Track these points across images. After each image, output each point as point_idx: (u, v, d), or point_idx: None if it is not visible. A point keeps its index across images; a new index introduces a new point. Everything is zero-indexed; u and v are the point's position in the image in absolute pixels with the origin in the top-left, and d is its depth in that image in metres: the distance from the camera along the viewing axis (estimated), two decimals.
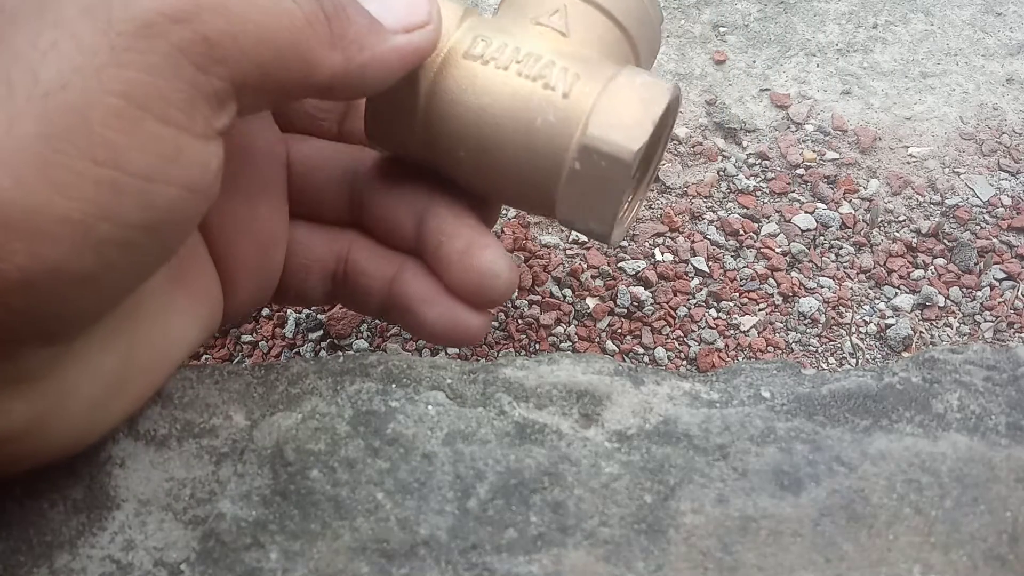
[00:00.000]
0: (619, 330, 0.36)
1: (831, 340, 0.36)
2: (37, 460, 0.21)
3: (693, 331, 0.36)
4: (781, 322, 0.36)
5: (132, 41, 0.17)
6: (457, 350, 0.35)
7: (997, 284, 0.37)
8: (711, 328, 0.36)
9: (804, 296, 0.37)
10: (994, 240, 0.39)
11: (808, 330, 0.36)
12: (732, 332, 0.36)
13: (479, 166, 0.25)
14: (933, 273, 0.38)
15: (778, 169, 0.41)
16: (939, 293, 0.37)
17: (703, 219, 0.39)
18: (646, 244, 0.38)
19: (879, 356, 0.35)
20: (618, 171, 0.23)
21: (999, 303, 0.36)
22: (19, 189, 0.16)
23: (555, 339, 0.35)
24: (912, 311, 0.36)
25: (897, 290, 0.37)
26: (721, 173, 0.41)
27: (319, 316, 0.36)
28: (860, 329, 0.36)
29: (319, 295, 0.28)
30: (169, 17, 0.17)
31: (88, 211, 0.17)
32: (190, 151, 0.18)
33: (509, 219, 0.39)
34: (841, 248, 0.39)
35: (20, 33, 0.17)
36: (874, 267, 0.38)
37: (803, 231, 0.39)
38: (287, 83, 0.20)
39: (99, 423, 0.22)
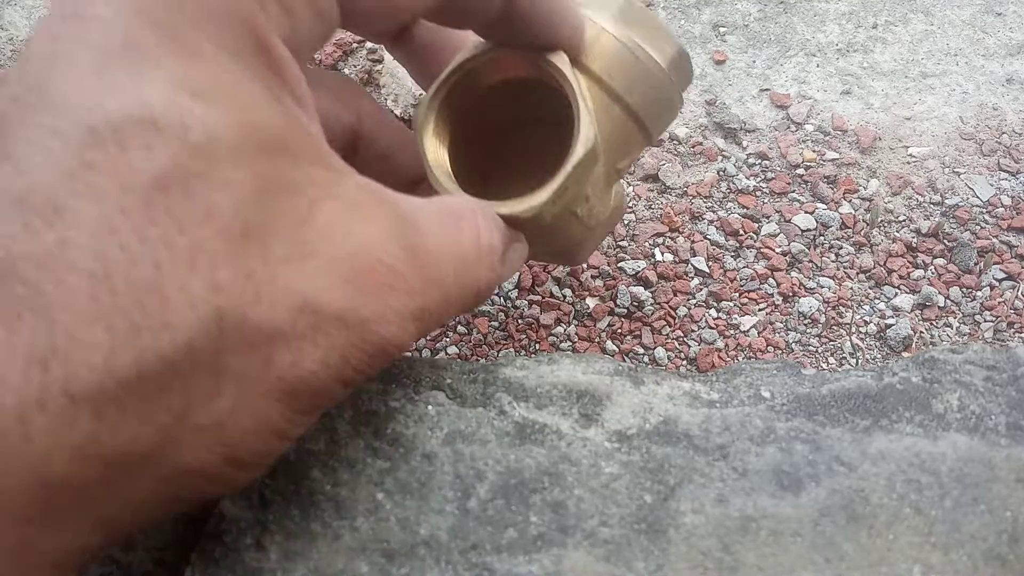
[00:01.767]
0: (619, 330, 0.36)
1: (831, 340, 0.36)
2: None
3: (693, 331, 0.36)
4: (781, 322, 0.36)
5: None
6: (457, 350, 0.35)
7: (997, 284, 0.37)
8: (711, 328, 0.36)
9: (804, 296, 0.37)
10: (994, 240, 0.39)
11: (808, 330, 0.36)
12: (732, 332, 0.36)
13: None
14: (933, 273, 0.38)
15: (778, 169, 0.41)
16: (939, 293, 0.37)
17: (703, 219, 0.39)
18: (646, 244, 0.38)
19: (879, 356, 0.35)
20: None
21: (999, 303, 0.36)
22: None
23: (555, 339, 0.35)
24: (912, 311, 0.36)
25: (897, 290, 0.37)
26: (721, 173, 0.41)
27: None
28: (860, 329, 0.36)
29: None
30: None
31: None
32: None
33: None
34: (841, 248, 0.39)
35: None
36: (874, 267, 0.38)
37: (803, 231, 0.39)
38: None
39: None
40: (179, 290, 0.16)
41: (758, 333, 0.36)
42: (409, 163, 0.28)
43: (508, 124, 0.29)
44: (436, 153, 0.26)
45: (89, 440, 0.15)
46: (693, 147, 0.42)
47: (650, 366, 0.34)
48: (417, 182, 0.28)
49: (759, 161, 0.42)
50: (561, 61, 0.25)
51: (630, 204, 0.40)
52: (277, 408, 0.18)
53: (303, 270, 0.18)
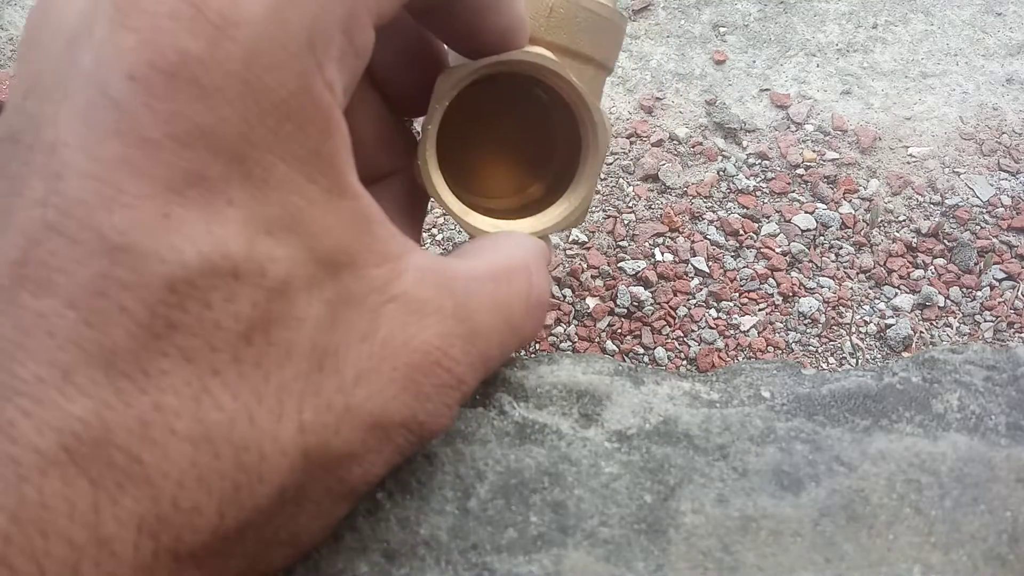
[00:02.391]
0: (619, 330, 0.36)
1: (831, 340, 0.36)
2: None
3: (693, 331, 0.36)
4: (781, 322, 0.36)
5: None
6: None
7: (997, 284, 0.37)
8: (711, 328, 0.36)
9: (804, 296, 0.37)
10: (994, 240, 0.39)
11: (808, 330, 0.36)
12: (732, 332, 0.36)
13: None
14: (933, 273, 0.38)
15: (778, 169, 0.41)
16: (939, 293, 0.37)
17: (703, 219, 0.39)
18: (646, 244, 0.38)
19: (879, 356, 0.35)
20: None
21: (999, 303, 0.36)
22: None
23: (555, 339, 0.35)
24: (912, 311, 0.36)
25: (897, 290, 0.37)
26: (721, 173, 0.41)
27: None
28: (860, 329, 0.36)
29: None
30: None
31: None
32: None
33: None
34: (841, 248, 0.39)
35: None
36: (874, 267, 0.38)
37: (803, 231, 0.39)
38: None
39: None
40: (273, 441, 0.16)
41: (758, 333, 0.36)
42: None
43: (475, 113, 0.29)
44: (449, 197, 0.26)
45: None
46: (693, 147, 0.42)
47: (650, 366, 0.34)
48: None
49: (759, 161, 0.42)
50: (554, 64, 0.25)
51: (630, 204, 0.40)
52: (343, 509, 0.20)
53: (371, 388, 0.18)
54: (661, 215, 0.39)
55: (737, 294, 0.37)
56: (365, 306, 0.18)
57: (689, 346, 0.35)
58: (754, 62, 0.45)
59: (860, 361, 0.35)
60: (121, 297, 0.15)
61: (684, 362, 0.35)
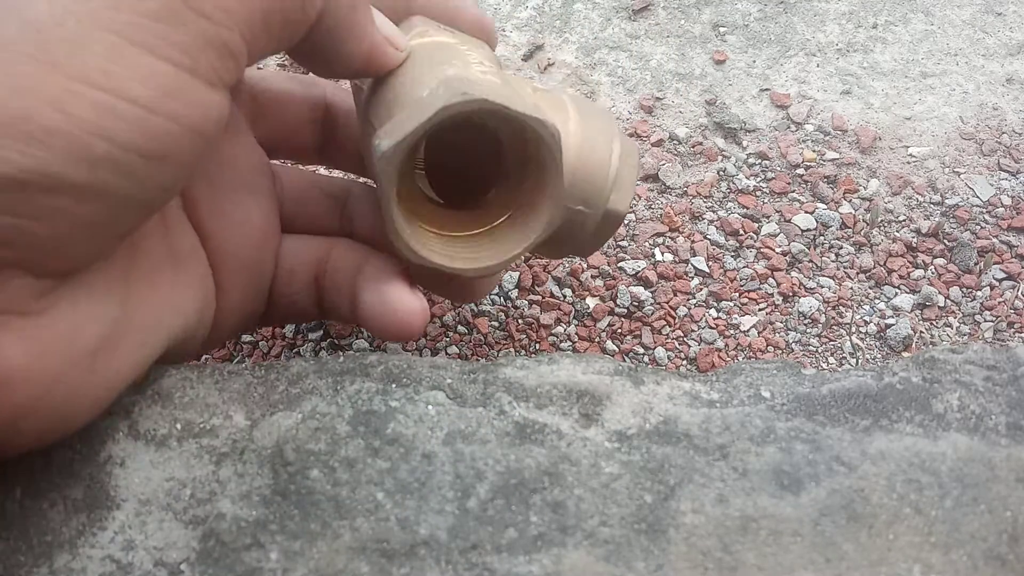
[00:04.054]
0: (619, 330, 0.36)
1: (831, 340, 0.36)
2: (39, 423, 0.20)
3: (693, 331, 0.36)
4: (781, 322, 0.36)
5: None
6: (457, 350, 0.35)
7: (997, 284, 0.37)
8: (711, 328, 0.36)
9: (804, 296, 0.37)
10: (994, 240, 0.39)
11: (808, 330, 0.36)
12: (732, 332, 0.36)
13: None
14: (933, 273, 0.38)
15: (778, 169, 0.41)
16: (939, 293, 0.37)
17: (703, 219, 0.39)
18: (646, 244, 0.38)
19: (879, 356, 0.35)
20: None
21: (999, 303, 0.36)
22: (13, 96, 0.17)
23: (555, 339, 0.35)
24: (912, 311, 0.36)
25: (897, 290, 0.37)
26: (721, 173, 0.41)
27: None
28: (860, 329, 0.36)
29: (308, 303, 0.29)
30: None
31: (83, 127, 0.18)
32: (192, 91, 0.19)
33: None
34: (841, 248, 0.39)
35: None
36: (874, 267, 0.38)
37: (803, 231, 0.39)
38: (286, 22, 0.21)
39: (96, 381, 0.21)
40: None
41: (758, 333, 0.36)
42: None
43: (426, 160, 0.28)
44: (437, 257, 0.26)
45: None
46: (693, 147, 0.42)
47: (650, 366, 0.34)
48: None
49: (759, 161, 0.42)
50: (546, 130, 0.24)
51: (630, 204, 0.40)
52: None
53: None
54: (661, 215, 0.39)
55: (737, 294, 0.37)
56: None
57: (689, 346, 0.35)
58: (754, 62, 0.45)
59: (860, 361, 0.35)
60: None
61: (684, 362, 0.35)
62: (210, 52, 0.19)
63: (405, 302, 0.26)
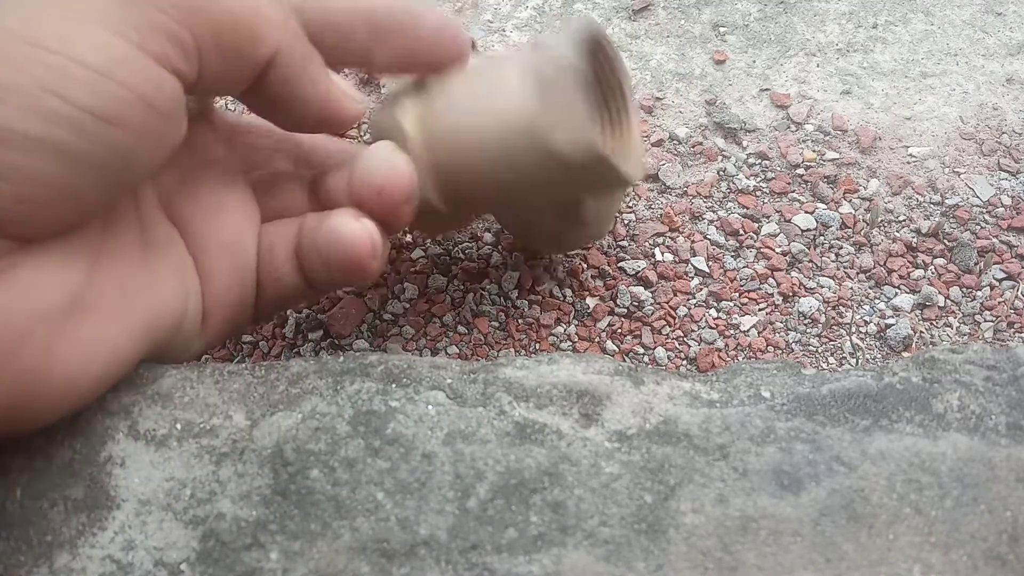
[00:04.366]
0: (619, 330, 0.36)
1: (831, 340, 0.36)
2: (13, 387, 0.20)
3: (693, 331, 0.36)
4: (781, 322, 0.36)
5: None
6: (457, 350, 0.35)
7: (997, 284, 0.37)
8: (711, 328, 0.36)
9: (804, 296, 0.37)
10: (994, 240, 0.39)
11: (808, 330, 0.36)
12: (732, 332, 0.36)
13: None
14: (933, 273, 0.38)
15: (778, 169, 0.41)
16: (939, 293, 0.37)
17: (703, 219, 0.39)
18: (646, 244, 0.38)
19: (879, 356, 0.35)
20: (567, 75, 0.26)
21: (999, 303, 0.36)
22: None
23: (555, 339, 0.35)
24: (912, 311, 0.36)
25: (897, 290, 0.37)
26: (721, 173, 0.41)
27: (319, 316, 0.36)
28: (860, 329, 0.36)
29: (293, 278, 0.28)
30: None
31: (37, 84, 0.19)
32: (142, 64, 0.20)
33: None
34: (841, 248, 0.39)
35: None
36: (874, 267, 0.38)
37: (803, 231, 0.39)
38: (237, 50, 0.23)
39: (69, 348, 0.21)
40: None
41: (758, 333, 0.36)
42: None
43: None
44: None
45: None
46: (693, 147, 0.42)
47: (650, 366, 0.34)
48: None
49: (759, 161, 0.42)
50: None
51: (630, 204, 0.40)
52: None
53: None
54: (661, 215, 0.39)
55: (737, 294, 0.37)
56: None
57: (689, 346, 0.35)
58: (754, 62, 0.45)
59: (860, 361, 0.35)
60: None
61: (684, 362, 0.35)
62: (160, 37, 0.21)
63: (349, 226, 0.26)
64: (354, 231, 0.26)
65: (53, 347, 0.21)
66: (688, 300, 0.37)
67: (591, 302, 0.36)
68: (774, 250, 0.38)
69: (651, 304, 0.36)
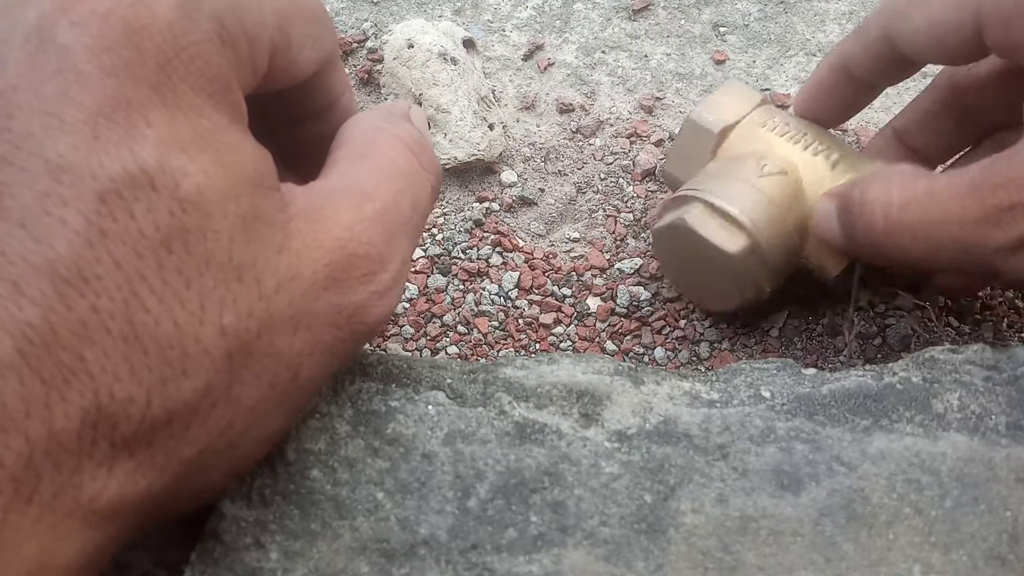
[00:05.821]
0: (619, 330, 0.36)
1: (831, 340, 0.36)
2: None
3: (693, 331, 0.36)
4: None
5: None
6: (457, 350, 0.35)
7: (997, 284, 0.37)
8: (711, 328, 0.36)
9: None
10: None
11: (808, 330, 0.36)
12: (732, 332, 0.36)
13: None
14: None
15: None
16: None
17: None
18: (646, 244, 0.38)
19: (879, 356, 0.35)
20: None
21: (999, 303, 0.36)
22: None
23: (555, 339, 0.35)
24: (912, 311, 0.36)
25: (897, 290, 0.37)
26: None
27: None
28: (860, 329, 0.36)
29: None
30: None
31: None
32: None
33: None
34: None
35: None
36: None
37: None
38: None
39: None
40: (195, 342, 0.18)
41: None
42: None
43: None
44: None
45: (128, 479, 0.18)
46: None
47: (650, 366, 0.34)
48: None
49: None
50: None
51: (630, 204, 0.40)
52: (280, 419, 0.21)
53: (292, 294, 0.20)
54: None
55: None
56: (276, 223, 0.20)
57: (689, 346, 0.35)
58: (754, 62, 0.45)
59: (860, 361, 0.35)
60: (62, 212, 0.17)
61: (684, 362, 0.35)
62: None
63: None
64: None
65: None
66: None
67: (591, 302, 0.36)
68: None
69: (651, 304, 0.36)
